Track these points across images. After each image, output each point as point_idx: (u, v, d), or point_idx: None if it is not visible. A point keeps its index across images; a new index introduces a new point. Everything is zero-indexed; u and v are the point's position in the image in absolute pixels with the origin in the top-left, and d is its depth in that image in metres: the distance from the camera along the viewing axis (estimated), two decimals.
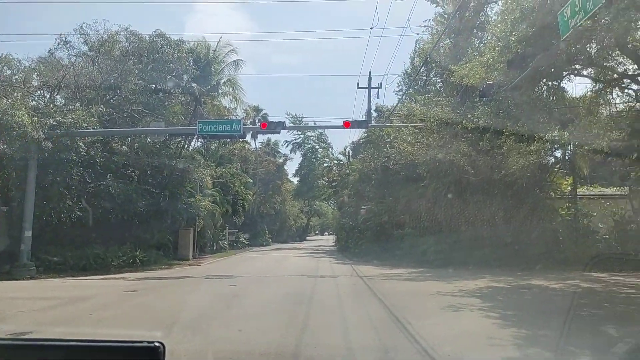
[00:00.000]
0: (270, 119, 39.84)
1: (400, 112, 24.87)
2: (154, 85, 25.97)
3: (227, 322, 9.57)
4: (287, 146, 57.59)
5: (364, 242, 30.42)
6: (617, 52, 13.00)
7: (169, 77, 26.42)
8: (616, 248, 19.20)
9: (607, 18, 10.57)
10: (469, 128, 16.75)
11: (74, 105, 22.36)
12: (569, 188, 22.89)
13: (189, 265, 25.40)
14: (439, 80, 26.50)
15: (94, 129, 21.18)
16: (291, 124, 42.82)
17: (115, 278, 18.47)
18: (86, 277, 18.59)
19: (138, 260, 22.61)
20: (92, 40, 24.32)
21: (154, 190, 25.27)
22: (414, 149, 21.28)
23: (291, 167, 62.38)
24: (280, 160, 61.51)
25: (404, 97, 29.46)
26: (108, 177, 22.41)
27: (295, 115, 47.67)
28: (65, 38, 23.67)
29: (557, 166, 21.21)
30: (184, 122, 27.32)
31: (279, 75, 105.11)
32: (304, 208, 77.69)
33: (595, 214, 21.94)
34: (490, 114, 15.22)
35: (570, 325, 8.33)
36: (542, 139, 14.13)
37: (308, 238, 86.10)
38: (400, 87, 32.56)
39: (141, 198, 23.68)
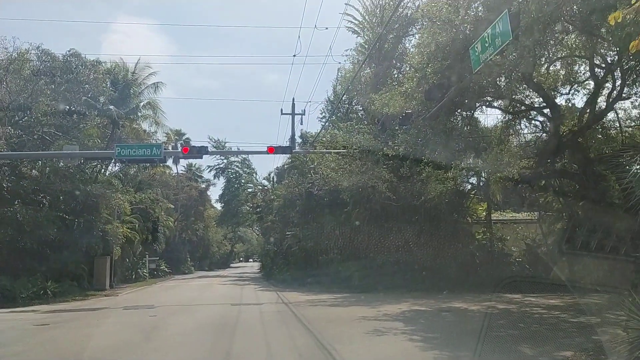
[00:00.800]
0: (193, 144, 38.56)
1: (324, 139, 25.18)
2: (67, 107, 24.55)
3: (145, 354, 9.03)
4: (210, 171, 56.44)
5: (289, 268, 30.18)
6: (524, 85, 14.01)
7: (84, 98, 25.16)
8: (528, 270, 20.37)
9: (514, 54, 11.38)
10: (390, 155, 17.23)
11: None
12: (484, 213, 24.17)
13: (106, 295, 23.88)
14: (361, 108, 27.22)
15: (0, 151, 19.62)
16: (214, 149, 42.02)
17: (23, 311, 16.99)
18: None
19: (49, 292, 21.03)
20: (0, 59, 22.74)
21: (67, 216, 23.64)
22: (337, 175, 21.52)
23: (214, 193, 61.09)
24: (203, 186, 59.99)
25: (327, 124, 29.94)
26: (16, 203, 20.74)
27: (218, 140, 46.99)
28: None
29: (473, 192, 22.34)
30: (101, 146, 26.02)
31: (201, 99, 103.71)
32: (228, 234, 76.00)
33: (508, 238, 23.28)
34: (409, 142, 15.72)
35: (489, 345, 8.64)
36: (458, 166, 14.82)
37: (232, 265, 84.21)
38: (324, 114, 33.05)
39: (53, 225, 22.03)
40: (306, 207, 29.24)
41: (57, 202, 23.57)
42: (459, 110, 15.92)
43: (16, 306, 18.23)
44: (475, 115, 16.99)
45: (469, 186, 21.83)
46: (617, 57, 12.27)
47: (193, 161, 56.06)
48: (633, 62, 12.04)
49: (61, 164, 24.88)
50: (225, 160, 53.42)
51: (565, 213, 17.53)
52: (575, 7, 10.43)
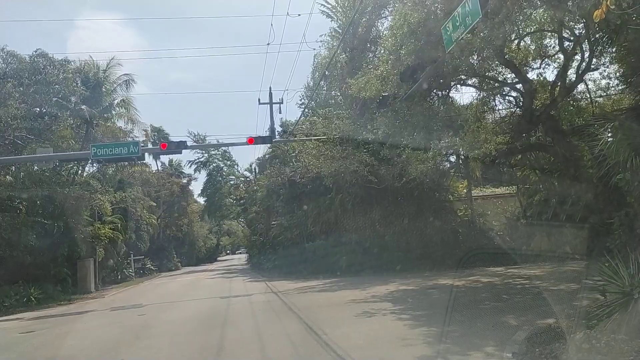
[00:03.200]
0: (172, 139, 38.53)
1: (304, 127, 25.20)
2: (38, 109, 24.06)
3: (136, 353, 9.04)
4: (190, 166, 55.97)
5: (276, 257, 30.27)
6: (497, 62, 14.18)
7: (54, 99, 24.61)
8: (510, 243, 20.82)
9: (485, 31, 11.49)
10: (369, 139, 17.33)
11: None
12: (465, 190, 24.58)
13: (92, 298, 23.66)
14: (339, 93, 27.24)
15: None
16: (194, 143, 41.65)
17: (7, 320, 16.81)
18: None
19: (33, 299, 20.75)
20: None
21: (46, 221, 23.23)
22: (318, 162, 21.59)
23: (197, 187, 60.79)
24: (185, 181, 59.46)
25: (306, 110, 29.94)
26: None
27: (198, 133, 46.23)
28: None
29: (453, 170, 22.64)
30: (75, 147, 25.55)
31: (177, 94, 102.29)
32: (213, 228, 75.74)
33: (489, 212, 23.77)
34: (388, 125, 15.83)
35: (475, 319, 8.88)
36: (437, 146, 14.96)
37: (219, 258, 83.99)
38: (303, 100, 33.07)
39: (31, 231, 21.69)
40: (290, 196, 29.29)
41: (35, 207, 23.14)
42: (434, 90, 16.05)
43: None
44: (451, 94, 17.13)
45: (449, 165, 22.11)
46: (584, 29, 12.49)
47: (173, 157, 55.74)
48: (600, 34, 12.27)
49: (35, 167, 24.41)
50: (205, 154, 53.05)
51: (542, 185, 17.91)
52: None
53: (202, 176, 56.08)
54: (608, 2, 5.50)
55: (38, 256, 22.58)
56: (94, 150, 19.27)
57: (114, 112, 33.66)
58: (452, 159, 19.76)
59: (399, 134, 15.53)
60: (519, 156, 16.91)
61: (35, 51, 23.93)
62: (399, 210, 22.93)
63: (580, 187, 13.23)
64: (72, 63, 27.41)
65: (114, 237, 30.86)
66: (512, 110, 16.62)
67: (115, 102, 33.95)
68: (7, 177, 23.50)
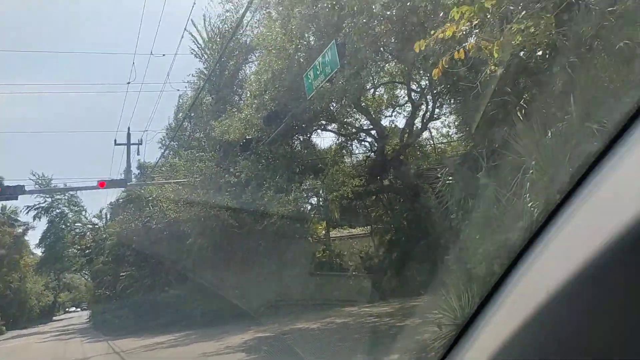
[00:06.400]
0: (7, 183, 34.12)
1: (164, 169, 24.16)
2: None
3: None
4: (28, 212, 49.78)
5: (123, 312, 27.88)
6: (354, 109, 15.20)
7: None
8: (365, 282, 21.58)
9: (342, 81, 12.29)
10: (232, 182, 17.15)
11: None
12: (323, 232, 25.14)
13: None
14: (202, 135, 26.73)
15: None
16: (37, 186, 37.27)
17: None
18: None
19: None
20: None
21: None
22: (176, 207, 20.66)
23: (34, 237, 54.04)
24: (20, 230, 52.64)
25: (166, 151, 28.82)
26: None
27: (43, 175, 41.67)
28: None
29: (313, 212, 23.20)
30: None
31: (16, 132, 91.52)
32: (50, 283, 67.45)
33: (345, 253, 24.46)
34: (251, 168, 15.88)
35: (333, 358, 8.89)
36: (298, 188, 15.31)
37: (55, 318, 74.39)
38: (164, 141, 31.74)
39: None
40: (143, 243, 27.39)
41: None
42: (296, 135, 16.58)
43: None
44: (312, 138, 17.85)
45: (309, 207, 22.59)
46: (428, 83, 14.02)
47: (8, 203, 49.00)
48: (440, 87, 13.86)
49: None
50: (49, 199, 47.75)
51: (394, 225, 19.18)
52: (392, 38, 11.68)
53: (42, 224, 50.20)
54: (444, 62, 6.30)
55: None
56: None
57: None
58: (313, 201, 20.31)
59: (261, 177, 15.63)
60: (374, 197, 17.97)
61: None
62: (259, 255, 22.66)
63: (426, 226, 14.36)
64: None
65: None
66: (368, 154, 17.79)
67: None
68: None
